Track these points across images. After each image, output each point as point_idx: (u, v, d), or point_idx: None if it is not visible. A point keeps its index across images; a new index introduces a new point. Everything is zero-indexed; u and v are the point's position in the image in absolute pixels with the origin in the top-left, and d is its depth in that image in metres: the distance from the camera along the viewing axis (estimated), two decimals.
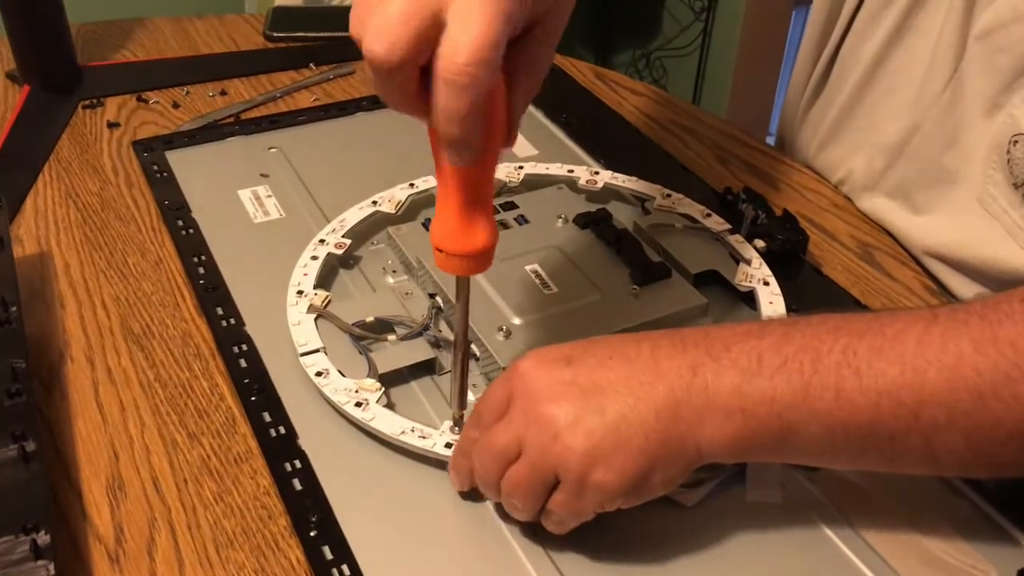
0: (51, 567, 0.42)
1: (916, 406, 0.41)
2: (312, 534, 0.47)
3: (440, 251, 0.46)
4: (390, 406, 0.53)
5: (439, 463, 0.50)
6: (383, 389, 0.53)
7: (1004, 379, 0.40)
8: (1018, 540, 0.47)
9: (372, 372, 0.55)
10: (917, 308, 0.43)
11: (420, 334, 0.57)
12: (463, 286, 0.50)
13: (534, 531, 0.47)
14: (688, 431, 0.42)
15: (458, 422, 0.51)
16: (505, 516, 0.48)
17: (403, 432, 0.51)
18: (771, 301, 0.59)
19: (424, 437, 0.50)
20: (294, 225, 0.68)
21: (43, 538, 0.43)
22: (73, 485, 0.50)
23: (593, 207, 0.68)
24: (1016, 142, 0.58)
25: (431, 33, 0.38)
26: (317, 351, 0.56)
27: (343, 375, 0.54)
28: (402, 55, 0.38)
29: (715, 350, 0.43)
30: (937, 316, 0.42)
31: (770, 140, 0.88)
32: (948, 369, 0.40)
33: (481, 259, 0.46)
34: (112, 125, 0.81)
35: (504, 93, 0.43)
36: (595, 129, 0.80)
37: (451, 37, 0.38)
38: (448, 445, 0.50)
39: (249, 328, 0.59)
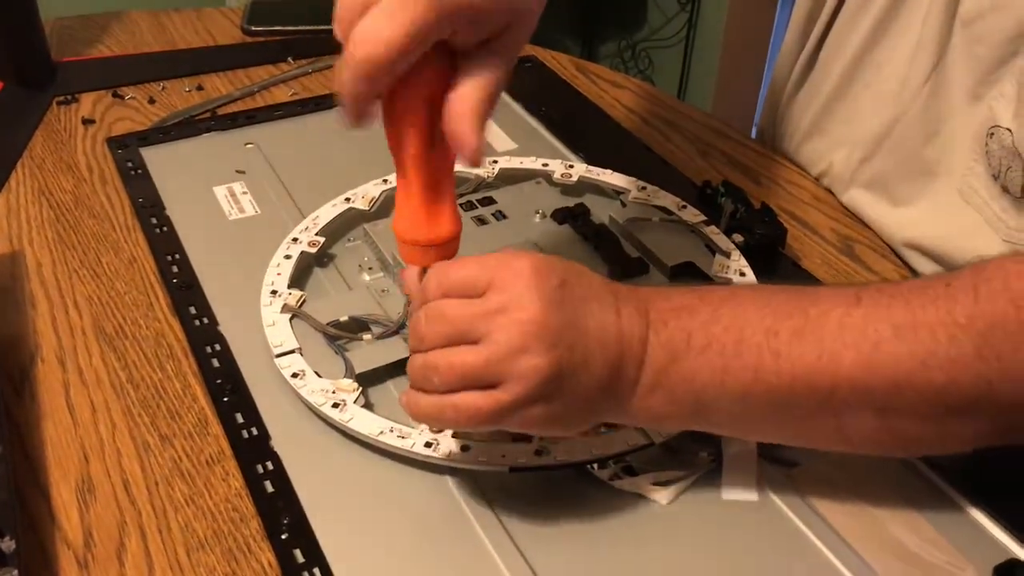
0: (16, 574, 0.41)
1: (829, 388, 0.41)
2: (284, 537, 0.46)
3: (404, 242, 0.46)
4: (368, 406, 0.53)
5: (418, 463, 0.50)
6: (361, 389, 0.53)
7: (919, 366, 0.40)
8: (996, 537, 0.47)
9: (349, 372, 0.54)
10: (845, 287, 0.44)
11: (396, 332, 0.57)
12: None
13: (510, 534, 0.47)
14: (622, 394, 0.43)
15: None
16: (481, 519, 0.48)
17: (382, 432, 0.50)
18: None
19: (403, 437, 0.50)
20: (270, 222, 0.67)
21: (8, 544, 0.42)
22: (42, 489, 0.49)
23: (571, 201, 0.67)
24: (993, 134, 0.58)
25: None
26: (292, 352, 0.55)
27: (319, 376, 0.53)
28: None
29: (657, 325, 0.43)
30: (861, 298, 0.42)
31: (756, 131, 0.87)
32: (865, 355, 0.41)
33: (444, 248, 0.47)
34: (87, 122, 0.80)
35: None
36: (575, 123, 0.80)
37: (363, 25, 0.39)
38: (428, 444, 0.49)
39: (223, 328, 0.58)
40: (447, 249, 0.47)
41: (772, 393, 0.42)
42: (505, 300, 0.42)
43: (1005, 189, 0.58)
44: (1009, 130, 0.57)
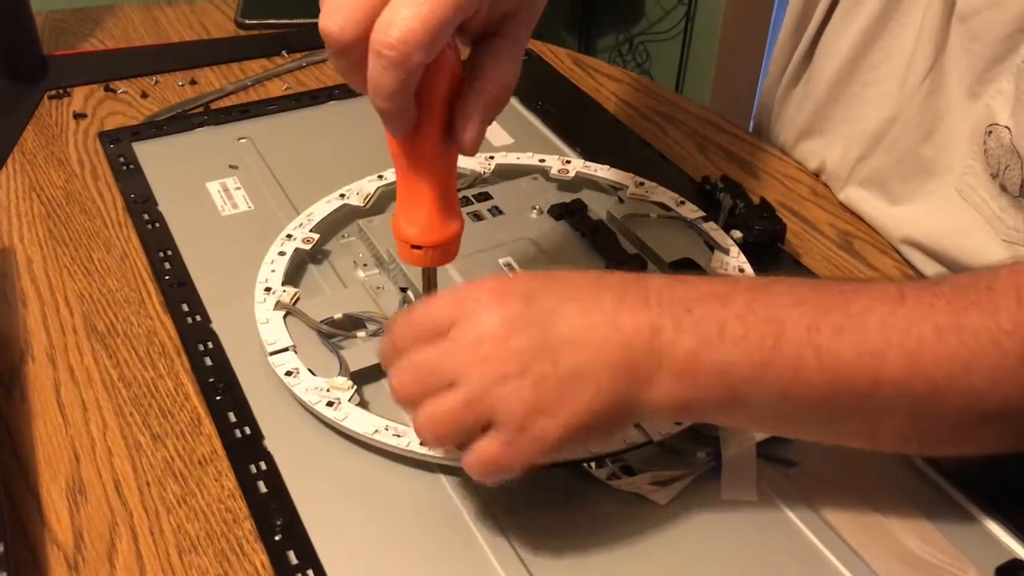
0: None
1: (869, 388, 0.40)
2: (277, 538, 0.46)
3: (404, 243, 0.46)
4: (362, 404, 0.52)
5: (413, 462, 0.49)
6: (355, 387, 0.52)
7: (961, 369, 0.39)
8: (997, 537, 0.47)
9: (343, 370, 0.54)
10: (886, 283, 0.43)
11: None
12: (430, 278, 0.49)
13: (506, 534, 0.46)
14: (636, 390, 0.41)
15: None
16: (478, 519, 0.47)
17: (376, 431, 0.49)
18: None
19: (398, 435, 0.49)
20: (263, 218, 0.67)
21: None
22: (32, 489, 0.49)
23: (568, 197, 0.66)
24: (991, 132, 0.57)
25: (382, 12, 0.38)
26: (286, 350, 0.54)
27: (313, 374, 0.53)
28: (354, 33, 0.38)
29: (677, 312, 0.41)
30: (904, 296, 0.41)
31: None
32: (908, 355, 0.40)
33: (445, 249, 0.46)
34: (79, 116, 0.79)
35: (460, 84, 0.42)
36: (572, 117, 0.79)
37: (391, 9, 0.38)
38: (423, 443, 0.48)
39: (216, 325, 0.58)
40: (448, 251, 0.46)
41: (812, 390, 0.41)
42: (468, 335, 0.41)
43: (1003, 188, 0.58)
44: (1007, 128, 0.56)
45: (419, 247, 0.46)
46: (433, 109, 0.42)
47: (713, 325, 0.41)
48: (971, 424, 0.41)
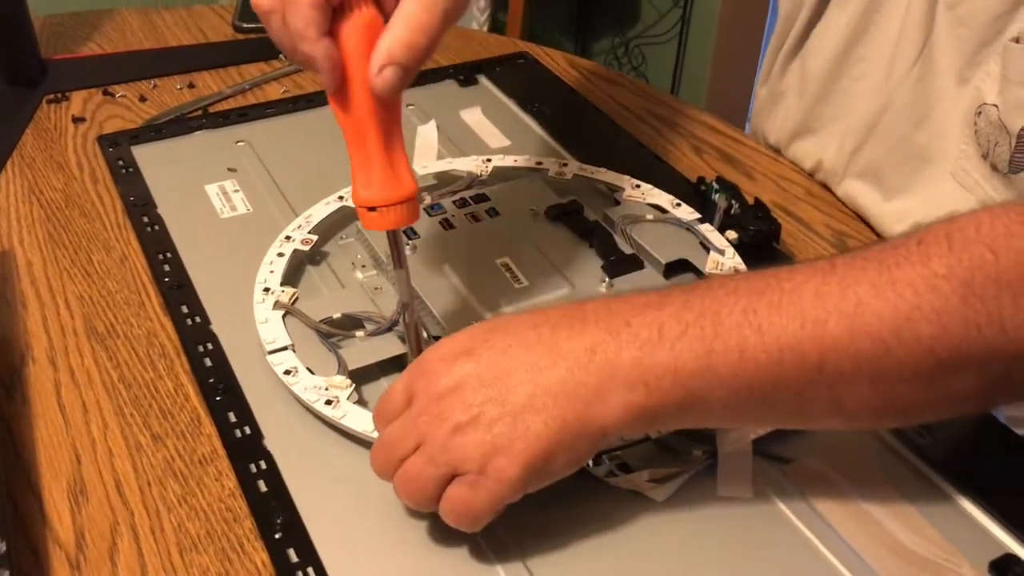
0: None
1: (819, 358, 0.41)
2: (277, 536, 0.46)
3: (362, 209, 0.47)
4: (361, 403, 0.52)
5: None
6: (353, 386, 0.52)
7: (904, 321, 0.39)
8: (991, 532, 0.47)
9: (342, 369, 0.54)
10: (818, 259, 0.43)
11: (389, 329, 0.57)
12: (396, 244, 0.49)
13: (505, 531, 0.47)
14: (588, 411, 0.42)
15: None
16: None
17: (375, 429, 0.50)
18: None
19: None
20: (262, 220, 0.67)
21: None
22: (33, 490, 0.49)
23: (565, 199, 0.67)
24: (980, 112, 0.58)
25: None
26: (285, 349, 0.55)
27: (312, 373, 0.53)
28: None
29: (614, 326, 0.43)
30: (835, 265, 0.42)
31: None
32: (848, 317, 0.40)
33: (402, 210, 0.47)
34: (77, 120, 0.80)
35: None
36: (568, 119, 0.80)
37: None
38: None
39: (215, 326, 0.58)
40: (407, 210, 0.47)
41: (763, 371, 0.41)
42: (424, 402, 0.44)
43: (994, 167, 0.58)
44: (995, 105, 0.57)
45: (374, 208, 0.47)
46: (362, 62, 0.44)
47: (651, 329, 0.42)
48: (932, 377, 0.41)
